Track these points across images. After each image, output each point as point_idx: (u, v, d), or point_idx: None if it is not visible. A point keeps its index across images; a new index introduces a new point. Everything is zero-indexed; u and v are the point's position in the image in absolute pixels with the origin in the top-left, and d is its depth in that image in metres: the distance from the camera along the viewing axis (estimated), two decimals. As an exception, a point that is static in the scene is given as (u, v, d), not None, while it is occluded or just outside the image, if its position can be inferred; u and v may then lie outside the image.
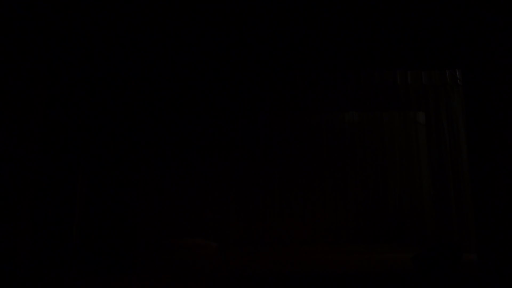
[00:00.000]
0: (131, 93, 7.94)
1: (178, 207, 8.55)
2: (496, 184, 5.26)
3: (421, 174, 8.28)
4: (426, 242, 7.40)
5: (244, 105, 8.11)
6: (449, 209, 6.93)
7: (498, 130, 5.38)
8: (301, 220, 8.76)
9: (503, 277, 4.34)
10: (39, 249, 5.79)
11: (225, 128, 9.00)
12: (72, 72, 6.90)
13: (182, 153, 8.81)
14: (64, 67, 6.10)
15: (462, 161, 6.98)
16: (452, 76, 7.10)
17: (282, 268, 4.96)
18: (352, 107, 8.10)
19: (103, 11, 5.53)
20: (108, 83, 7.37)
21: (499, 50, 5.54)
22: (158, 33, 5.85)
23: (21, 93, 5.27)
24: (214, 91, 8.02)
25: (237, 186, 8.78)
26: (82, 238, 7.82)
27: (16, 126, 5.17)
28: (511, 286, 4.01)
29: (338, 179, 8.94)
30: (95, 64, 6.21)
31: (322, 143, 9.03)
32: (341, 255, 6.57)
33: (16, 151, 5.10)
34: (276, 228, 8.64)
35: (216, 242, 7.90)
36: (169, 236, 8.33)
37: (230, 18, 5.56)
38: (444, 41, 6.01)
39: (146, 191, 8.52)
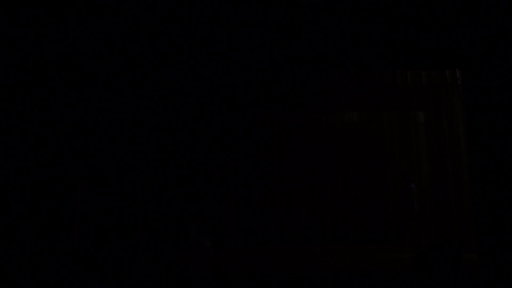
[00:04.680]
0: (131, 94, 7.94)
1: (177, 207, 8.55)
2: (496, 184, 5.27)
3: (421, 174, 8.28)
4: (426, 242, 7.41)
5: (244, 105, 8.11)
6: (449, 209, 6.93)
7: (498, 130, 5.39)
8: (301, 219, 8.76)
9: (503, 276, 4.33)
10: (39, 249, 5.79)
11: (225, 128, 9.00)
12: (73, 72, 6.90)
13: (182, 153, 8.81)
14: (64, 67, 6.10)
15: (462, 161, 6.97)
16: (452, 76, 7.10)
17: (282, 268, 4.95)
18: (352, 107, 8.10)
19: (103, 11, 5.53)
20: (109, 84, 7.37)
21: (499, 50, 5.55)
22: (159, 33, 5.85)
23: (21, 93, 5.27)
24: (215, 91, 8.02)
25: (237, 186, 8.78)
26: (82, 238, 7.83)
27: (16, 126, 5.17)
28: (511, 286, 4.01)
29: (338, 179, 8.94)
30: (95, 65, 6.21)
31: (322, 143, 9.04)
32: (341, 255, 6.57)
33: (16, 151, 5.10)
34: (276, 228, 8.64)
35: (215, 241, 7.90)
36: (168, 236, 8.33)
37: (233, 17, 5.57)
38: (444, 41, 6.02)
39: (146, 192, 8.52)
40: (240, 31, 5.89)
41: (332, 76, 7.43)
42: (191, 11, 5.52)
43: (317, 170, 8.98)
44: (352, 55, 6.04)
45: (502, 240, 5.13)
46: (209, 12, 5.47)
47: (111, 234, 8.10)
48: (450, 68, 6.77)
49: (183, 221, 8.37)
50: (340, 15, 5.68)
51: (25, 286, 4.20)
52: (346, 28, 5.88)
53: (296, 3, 5.59)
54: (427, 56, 6.03)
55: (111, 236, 8.09)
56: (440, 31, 5.93)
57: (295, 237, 8.66)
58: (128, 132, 8.69)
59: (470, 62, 5.88)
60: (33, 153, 5.43)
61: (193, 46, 6.01)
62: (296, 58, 6.06)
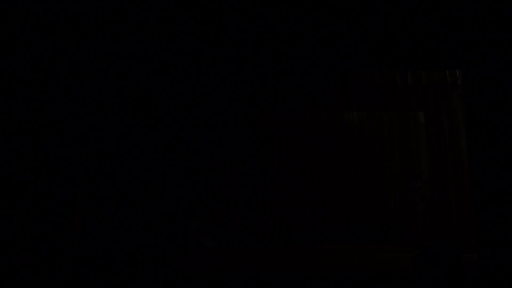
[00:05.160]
0: (131, 94, 7.95)
1: (177, 207, 8.55)
2: (496, 184, 5.27)
3: (421, 174, 8.28)
4: (426, 242, 7.40)
5: (244, 105, 8.11)
6: (449, 209, 6.93)
7: (498, 129, 5.39)
8: (301, 219, 8.75)
9: (503, 276, 4.34)
10: (39, 249, 5.80)
11: (225, 128, 8.99)
12: (74, 73, 6.90)
13: (182, 153, 8.80)
14: (65, 67, 6.10)
15: (462, 161, 6.98)
16: (452, 76, 7.10)
17: (282, 269, 4.95)
18: (352, 107, 8.10)
19: (104, 11, 5.53)
20: (109, 85, 7.37)
21: (499, 50, 5.55)
22: (159, 34, 5.85)
23: (22, 93, 5.27)
24: (214, 91, 8.02)
25: (237, 186, 8.77)
26: (82, 238, 7.83)
27: (16, 126, 5.17)
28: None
29: (338, 179, 8.94)
30: (97, 67, 6.20)
31: (322, 143, 9.03)
32: (341, 254, 6.56)
33: (16, 151, 5.10)
34: (276, 228, 8.64)
35: (215, 241, 7.90)
36: (168, 236, 8.33)
37: (232, 17, 5.57)
38: (444, 41, 6.03)
39: (146, 192, 8.52)
40: (240, 30, 5.89)
41: (332, 76, 7.44)
42: (190, 10, 5.52)
43: (317, 170, 8.98)
44: (352, 55, 6.04)
45: (502, 240, 5.14)
46: (208, 11, 5.47)
47: (111, 234, 8.10)
48: (450, 68, 6.77)
49: (183, 221, 8.37)
50: (341, 14, 5.68)
51: (25, 286, 4.20)
52: (347, 28, 5.89)
53: (297, 3, 5.60)
54: (427, 56, 6.04)
55: (111, 236, 8.09)
56: (440, 31, 5.94)
57: (295, 237, 8.65)
58: (128, 132, 8.69)
59: (470, 62, 5.89)
60: (34, 153, 5.43)
61: (193, 45, 6.01)
62: (297, 57, 6.07)
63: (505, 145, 5.31)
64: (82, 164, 7.91)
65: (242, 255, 6.44)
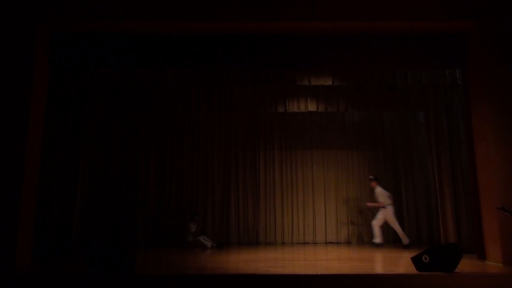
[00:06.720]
0: (130, 94, 7.95)
1: (177, 207, 8.55)
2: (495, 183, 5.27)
3: (421, 174, 8.28)
4: (427, 242, 7.41)
5: (244, 104, 8.10)
6: (449, 209, 6.93)
7: (497, 130, 5.39)
8: (301, 219, 8.75)
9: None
10: (39, 249, 5.81)
11: (226, 127, 8.99)
12: (74, 72, 6.90)
13: (182, 152, 8.80)
14: (65, 66, 6.10)
15: (462, 161, 6.97)
16: (452, 76, 7.09)
17: (281, 268, 4.96)
18: (352, 107, 8.09)
19: (101, 9, 5.54)
20: (109, 84, 7.37)
21: (498, 50, 5.56)
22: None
23: (21, 93, 5.27)
24: (212, 92, 8.02)
25: (237, 186, 8.77)
26: (82, 238, 7.83)
27: (17, 126, 5.18)
28: None
29: (338, 179, 8.93)
30: (96, 66, 6.20)
31: (322, 142, 9.03)
32: (341, 254, 6.57)
33: (16, 151, 5.10)
34: (276, 228, 8.64)
35: (215, 241, 7.90)
36: (169, 236, 8.33)
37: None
38: (444, 41, 6.03)
39: (146, 191, 8.52)
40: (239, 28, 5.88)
41: (332, 76, 7.43)
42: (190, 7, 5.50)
43: (317, 170, 8.98)
44: (352, 55, 6.05)
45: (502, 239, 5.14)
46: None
47: (110, 234, 8.11)
48: (450, 68, 6.77)
49: (183, 221, 8.37)
50: (341, 13, 5.69)
51: (25, 286, 4.21)
52: (347, 27, 5.89)
53: (300, 4, 5.61)
54: (427, 56, 6.04)
55: (111, 236, 8.09)
56: (440, 31, 5.94)
57: (295, 237, 8.66)
58: (128, 132, 8.69)
59: (470, 62, 5.89)
60: (33, 152, 5.43)
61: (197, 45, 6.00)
62: (297, 57, 6.07)
63: (504, 145, 5.32)
64: (82, 164, 7.92)
65: (242, 255, 6.44)
